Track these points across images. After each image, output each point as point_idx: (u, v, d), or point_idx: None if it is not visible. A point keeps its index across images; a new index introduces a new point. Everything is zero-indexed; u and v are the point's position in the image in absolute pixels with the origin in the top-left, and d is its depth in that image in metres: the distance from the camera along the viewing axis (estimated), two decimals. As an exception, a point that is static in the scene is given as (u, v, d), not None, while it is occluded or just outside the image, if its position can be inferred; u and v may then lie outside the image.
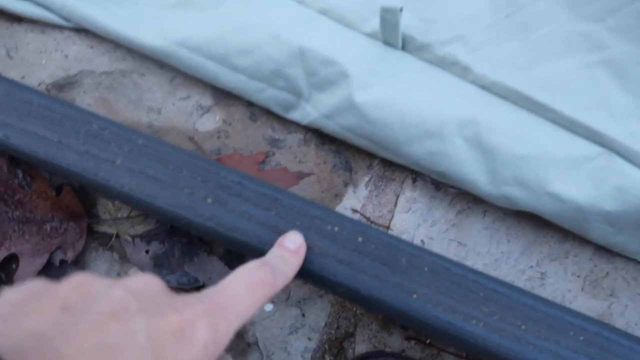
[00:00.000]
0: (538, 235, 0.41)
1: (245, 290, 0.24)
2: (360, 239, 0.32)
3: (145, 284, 0.21)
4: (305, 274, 0.31)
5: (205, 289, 0.24)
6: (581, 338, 0.30)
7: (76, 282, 0.20)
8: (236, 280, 0.25)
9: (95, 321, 0.18)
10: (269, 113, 0.44)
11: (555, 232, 0.41)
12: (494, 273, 0.40)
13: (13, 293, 0.19)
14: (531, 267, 0.41)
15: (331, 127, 0.41)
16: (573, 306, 0.40)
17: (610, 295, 0.40)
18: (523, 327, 0.30)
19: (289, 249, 0.30)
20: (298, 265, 0.30)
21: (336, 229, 0.32)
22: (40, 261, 0.41)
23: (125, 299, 0.19)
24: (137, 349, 0.18)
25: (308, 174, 0.43)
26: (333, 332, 0.41)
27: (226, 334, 0.23)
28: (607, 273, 0.40)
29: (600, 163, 0.36)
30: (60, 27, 0.46)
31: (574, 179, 0.35)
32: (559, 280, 0.40)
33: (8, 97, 0.34)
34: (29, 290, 0.19)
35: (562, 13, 0.37)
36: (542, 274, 0.41)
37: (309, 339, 0.41)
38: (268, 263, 0.27)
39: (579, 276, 0.40)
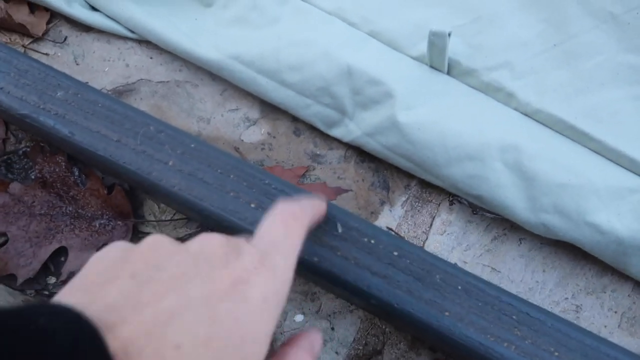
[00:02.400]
0: (575, 267, 0.41)
1: (284, 227, 0.24)
2: (395, 253, 0.32)
3: (203, 244, 0.22)
4: (340, 283, 0.32)
5: (248, 238, 0.24)
6: (617, 371, 0.29)
7: (147, 248, 0.21)
8: (273, 219, 0.25)
9: (156, 290, 0.19)
10: (312, 128, 0.46)
11: (593, 264, 0.40)
12: (528, 301, 0.40)
13: (97, 262, 0.21)
14: (566, 299, 0.40)
15: (372, 145, 0.42)
16: (609, 342, 0.39)
17: (650, 334, 0.39)
18: (556, 353, 0.29)
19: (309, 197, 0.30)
20: (321, 207, 0.29)
21: (372, 241, 0.33)
22: (87, 255, 0.43)
23: (184, 265, 0.20)
24: (193, 311, 0.19)
25: (346, 190, 0.44)
26: (361, 348, 0.41)
27: (285, 279, 0.22)
28: (647, 311, 0.39)
29: (644, 197, 0.36)
30: (124, 38, 0.49)
31: (616, 211, 0.35)
32: (595, 315, 0.40)
33: (77, 96, 0.37)
34: (110, 258, 0.21)
35: (612, 45, 0.38)
36: (577, 306, 0.40)
37: (337, 353, 0.41)
38: (291, 198, 0.27)
39: (616, 312, 0.39)
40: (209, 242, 0.22)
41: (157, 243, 0.22)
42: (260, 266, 0.22)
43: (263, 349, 0.21)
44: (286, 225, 0.25)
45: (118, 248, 0.22)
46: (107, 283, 0.19)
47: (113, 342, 0.17)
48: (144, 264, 0.20)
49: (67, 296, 0.20)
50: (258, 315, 0.20)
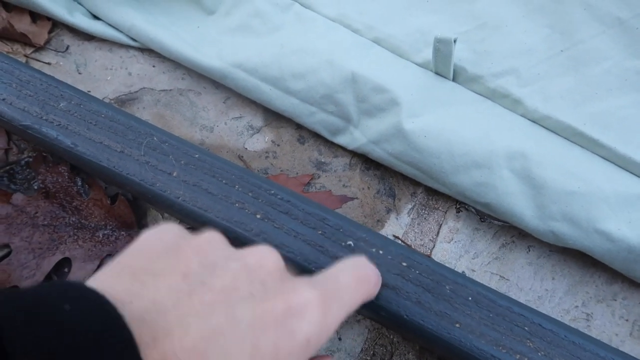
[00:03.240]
0: (585, 275, 0.40)
1: (355, 282, 0.24)
2: (404, 264, 0.32)
3: (262, 259, 0.21)
4: (348, 295, 0.32)
5: (315, 275, 0.23)
6: (631, 383, 0.29)
7: (203, 243, 0.21)
8: (345, 270, 0.24)
9: (205, 301, 0.18)
10: (316, 136, 0.45)
11: (603, 272, 0.40)
12: (537, 310, 0.40)
13: (150, 243, 0.20)
14: (576, 307, 0.40)
15: (378, 153, 0.42)
16: (621, 351, 0.38)
17: (661, 342, 0.38)
18: (569, 365, 0.29)
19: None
20: (378, 286, 0.28)
21: (381, 252, 0.32)
22: (91, 267, 0.43)
23: (238, 277, 0.20)
24: (237, 335, 0.18)
25: (352, 198, 0.44)
26: (369, 358, 0.41)
27: (332, 326, 0.21)
28: (659, 319, 0.39)
29: (654, 204, 0.35)
30: (126, 46, 0.49)
31: (626, 218, 0.35)
32: (606, 323, 0.39)
33: (79, 107, 0.37)
34: (164, 243, 0.20)
35: (619, 51, 0.37)
36: (587, 315, 0.39)
37: (344, 363, 0.41)
38: (370, 264, 0.26)
39: (627, 320, 0.39)
40: (268, 259, 0.21)
41: (214, 241, 0.21)
42: (317, 305, 0.20)
43: None
44: (357, 281, 0.24)
45: (173, 233, 0.21)
46: (158, 276, 0.19)
47: (152, 354, 0.16)
48: (198, 263, 0.20)
49: (114, 277, 0.19)
50: (297, 352, 0.20)
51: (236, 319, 0.18)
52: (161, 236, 0.21)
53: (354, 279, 0.24)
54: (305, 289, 0.21)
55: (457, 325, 0.30)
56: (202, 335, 0.17)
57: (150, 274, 0.19)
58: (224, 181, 0.34)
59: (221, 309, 0.18)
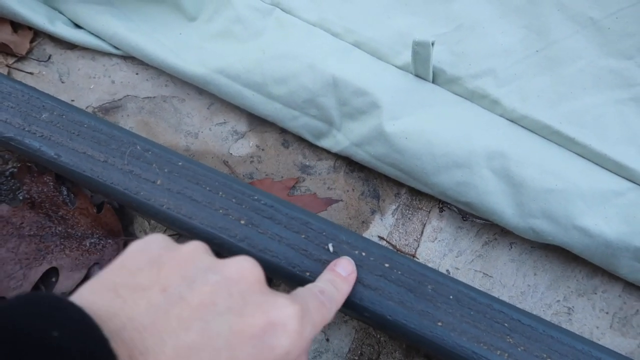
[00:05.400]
0: (566, 270, 0.41)
1: (317, 305, 0.24)
2: (387, 265, 0.32)
3: (242, 272, 0.21)
4: (332, 297, 0.32)
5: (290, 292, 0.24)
6: (609, 375, 0.30)
7: (184, 256, 0.21)
8: (307, 294, 0.25)
9: (183, 317, 0.19)
10: (300, 140, 0.46)
11: (583, 266, 0.41)
12: (519, 306, 0.40)
13: (135, 255, 0.21)
14: (558, 301, 0.40)
15: (361, 155, 0.42)
16: (601, 343, 0.39)
17: (641, 333, 0.39)
18: (548, 359, 0.30)
19: (340, 275, 0.30)
20: (347, 292, 0.30)
21: (364, 254, 0.33)
22: (79, 275, 0.43)
23: (217, 291, 0.20)
24: (213, 350, 0.18)
25: (336, 201, 0.45)
26: (356, 358, 0.41)
27: (310, 339, 0.22)
28: (637, 311, 0.39)
29: (630, 198, 0.36)
30: (109, 55, 0.49)
31: (603, 214, 0.36)
32: (587, 316, 0.40)
33: (62, 117, 0.37)
34: (148, 255, 0.21)
35: (593, 50, 0.38)
36: (569, 309, 0.40)
37: (333, 363, 0.41)
38: (322, 288, 0.27)
39: (607, 313, 0.40)
40: (248, 271, 0.22)
41: (196, 252, 0.22)
42: (297, 319, 0.21)
43: None
44: (317, 309, 0.25)
45: (159, 245, 0.22)
46: (138, 291, 0.19)
47: None
48: (178, 276, 0.20)
49: (96, 294, 0.19)
50: None
51: (212, 334, 0.19)
52: (145, 248, 0.22)
53: (316, 303, 0.25)
54: (285, 304, 0.21)
55: (439, 323, 0.31)
56: (177, 353, 0.18)
57: (130, 289, 0.19)
58: (207, 188, 0.35)
59: (197, 325, 0.19)
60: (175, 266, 0.21)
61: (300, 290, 0.25)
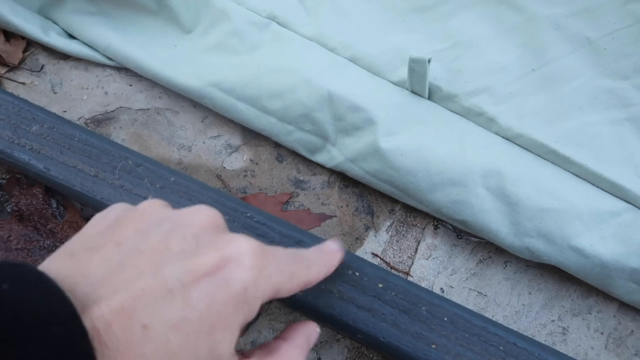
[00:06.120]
0: (560, 289, 0.41)
1: (292, 258, 0.23)
2: (380, 285, 0.32)
3: (197, 217, 0.21)
4: (324, 317, 0.32)
5: None
6: (605, 400, 0.29)
7: (140, 212, 0.21)
8: (277, 248, 0.24)
9: (136, 265, 0.19)
10: (295, 154, 0.45)
11: (578, 286, 0.40)
12: (514, 325, 0.40)
13: (95, 223, 0.21)
14: (553, 321, 0.40)
15: (355, 171, 0.42)
16: (597, 365, 0.39)
17: (635, 354, 0.39)
18: (544, 384, 0.29)
19: (323, 249, 0.28)
20: (329, 264, 0.27)
21: (357, 274, 0.32)
22: (67, 289, 0.42)
23: (170, 237, 0.20)
24: (166, 292, 0.18)
25: (330, 217, 0.44)
26: (349, 377, 0.40)
27: (269, 282, 0.21)
28: (632, 331, 0.39)
29: (626, 219, 0.36)
30: (103, 65, 0.48)
31: (599, 234, 0.35)
32: (582, 337, 0.40)
33: (52, 130, 0.36)
34: (107, 220, 0.21)
35: (589, 69, 0.38)
36: (563, 329, 0.40)
37: (325, 382, 0.41)
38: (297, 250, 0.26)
39: (602, 333, 0.39)
40: (203, 215, 0.21)
41: (150, 207, 0.22)
42: (254, 255, 0.20)
43: (234, 337, 0.20)
44: (294, 262, 0.24)
45: (118, 209, 0.22)
46: (93, 251, 0.19)
47: (87, 323, 0.17)
48: (133, 230, 0.20)
49: (52, 260, 0.20)
50: (234, 302, 0.19)
51: (165, 276, 0.19)
52: (105, 216, 0.22)
53: (291, 256, 0.23)
54: (240, 239, 0.21)
55: (434, 346, 0.30)
56: (130, 296, 0.18)
57: (86, 251, 0.19)
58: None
59: (150, 270, 0.19)
60: (130, 222, 0.21)
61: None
